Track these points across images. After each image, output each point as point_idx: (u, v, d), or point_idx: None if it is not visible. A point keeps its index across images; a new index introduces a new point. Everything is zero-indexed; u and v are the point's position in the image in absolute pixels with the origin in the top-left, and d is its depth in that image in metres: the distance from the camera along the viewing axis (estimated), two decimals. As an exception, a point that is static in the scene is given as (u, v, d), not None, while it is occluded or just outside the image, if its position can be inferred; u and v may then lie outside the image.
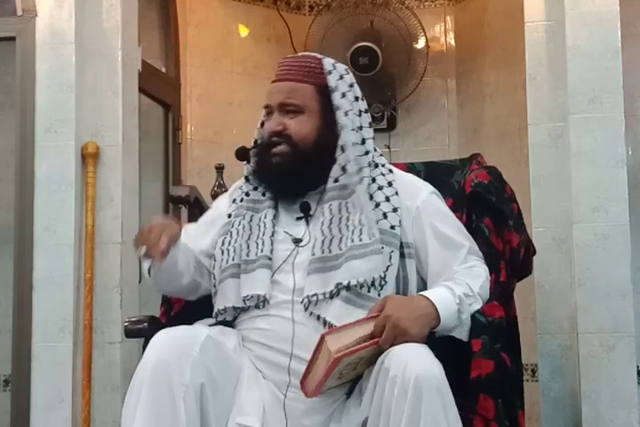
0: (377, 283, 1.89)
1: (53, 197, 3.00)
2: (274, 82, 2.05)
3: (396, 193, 2.00)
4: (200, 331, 1.85)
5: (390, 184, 2.01)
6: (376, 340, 1.76)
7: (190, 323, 1.96)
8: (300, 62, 2.05)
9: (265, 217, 2.01)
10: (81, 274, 3.00)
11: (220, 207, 2.16)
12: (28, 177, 3.02)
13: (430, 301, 1.83)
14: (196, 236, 2.10)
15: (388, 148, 4.36)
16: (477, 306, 1.91)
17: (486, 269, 2.00)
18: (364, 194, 1.96)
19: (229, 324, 1.98)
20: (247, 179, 2.11)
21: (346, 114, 2.00)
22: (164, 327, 1.87)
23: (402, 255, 1.95)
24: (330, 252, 1.91)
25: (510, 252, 2.15)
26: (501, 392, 1.87)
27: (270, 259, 1.95)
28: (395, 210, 1.97)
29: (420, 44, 4.43)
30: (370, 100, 2.11)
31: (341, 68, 2.06)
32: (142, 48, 3.46)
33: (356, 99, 2.04)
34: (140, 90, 3.38)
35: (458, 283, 1.91)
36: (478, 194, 2.19)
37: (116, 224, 3.04)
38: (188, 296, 2.13)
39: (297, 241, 1.97)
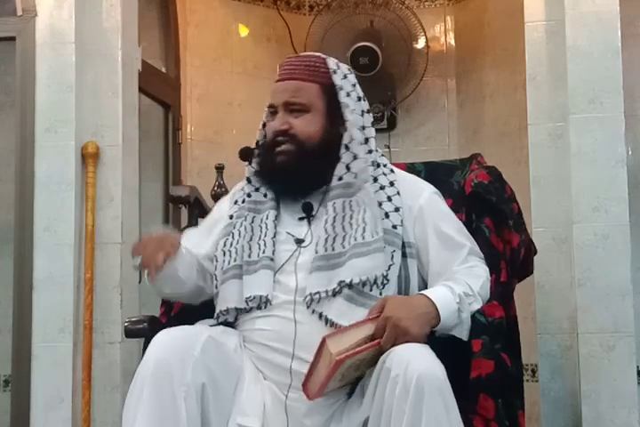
0: (379, 281, 1.89)
1: (53, 197, 3.00)
2: (278, 81, 2.05)
3: (398, 193, 2.00)
4: (201, 331, 1.85)
5: (392, 184, 2.02)
6: (377, 341, 1.76)
7: (190, 323, 1.96)
8: (305, 62, 2.05)
9: (267, 218, 2.01)
10: (81, 274, 3.00)
11: (221, 210, 2.15)
12: (28, 177, 3.02)
13: (430, 299, 1.84)
14: (198, 240, 2.10)
15: (388, 148, 4.35)
16: (477, 306, 1.91)
17: (487, 269, 2.01)
18: (370, 192, 1.96)
19: (230, 324, 1.98)
20: (249, 180, 2.11)
21: (351, 112, 2.00)
22: (164, 327, 1.87)
23: (403, 255, 1.95)
24: (333, 250, 1.91)
25: (510, 252, 2.15)
26: (501, 392, 1.87)
27: (272, 260, 1.95)
28: (396, 210, 1.97)
29: (420, 44, 4.43)
30: (370, 100, 2.11)
31: (344, 67, 2.07)
32: (142, 48, 3.46)
33: (359, 99, 2.05)
34: (140, 90, 3.37)
35: (458, 282, 1.91)
36: (478, 194, 2.19)
37: (116, 224, 3.04)
38: (192, 301, 2.12)
39: (299, 241, 1.97)
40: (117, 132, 3.07)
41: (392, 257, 1.92)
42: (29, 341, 2.95)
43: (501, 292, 2.06)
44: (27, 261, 2.98)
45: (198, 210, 2.73)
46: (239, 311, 1.95)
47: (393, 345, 1.75)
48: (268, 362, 1.88)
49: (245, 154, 2.09)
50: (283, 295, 1.91)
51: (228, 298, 1.96)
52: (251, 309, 1.93)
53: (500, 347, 1.89)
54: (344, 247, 1.91)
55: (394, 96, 4.46)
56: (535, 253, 2.33)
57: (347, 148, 1.99)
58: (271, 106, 2.05)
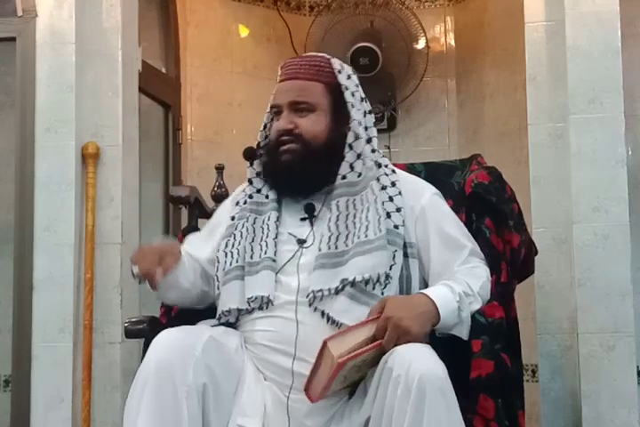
0: (382, 279, 1.89)
1: (53, 197, 3.00)
2: (281, 81, 2.05)
3: (400, 193, 2.00)
4: (202, 331, 1.85)
5: (394, 184, 2.02)
6: (378, 342, 1.76)
7: (190, 323, 1.96)
8: (309, 61, 2.05)
9: (268, 219, 2.01)
10: (81, 274, 3.00)
11: (222, 213, 2.16)
12: (28, 177, 3.02)
13: (430, 298, 1.84)
14: (200, 245, 2.11)
15: (388, 148, 4.35)
16: (477, 306, 1.91)
17: (487, 270, 2.01)
18: (375, 191, 1.97)
19: (231, 325, 1.97)
20: (250, 181, 2.11)
21: (356, 111, 2.01)
22: (164, 328, 1.87)
23: (405, 255, 1.96)
24: (336, 248, 1.91)
25: (511, 252, 2.15)
26: (501, 392, 1.87)
27: (274, 260, 1.95)
28: (398, 210, 1.97)
29: (421, 44, 4.43)
30: (370, 100, 2.11)
31: (348, 68, 2.08)
32: (142, 48, 3.46)
33: (362, 99, 2.05)
34: (140, 90, 3.37)
35: (458, 282, 1.92)
36: (478, 194, 2.19)
37: (116, 224, 3.04)
38: (197, 306, 2.12)
39: (301, 242, 1.97)
40: (117, 133, 3.07)
41: (394, 257, 1.92)
42: (29, 341, 2.95)
43: (501, 292, 2.06)
44: (27, 261, 2.98)
45: (198, 210, 2.72)
46: (241, 312, 1.95)
47: (395, 345, 1.75)
48: (269, 363, 1.88)
49: (249, 154, 2.08)
50: (284, 296, 1.91)
51: (229, 299, 1.96)
52: (252, 309, 1.93)
53: (500, 347, 1.89)
54: (347, 246, 1.91)
55: (394, 96, 4.45)
56: (536, 253, 2.33)
57: (350, 147, 1.99)
58: (275, 106, 2.05)
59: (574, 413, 2.79)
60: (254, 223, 2.02)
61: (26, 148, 3.03)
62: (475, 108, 4.36)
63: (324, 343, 1.73)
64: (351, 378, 1.80)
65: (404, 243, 1.96)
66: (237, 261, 1.98)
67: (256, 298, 1.91)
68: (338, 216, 1.95)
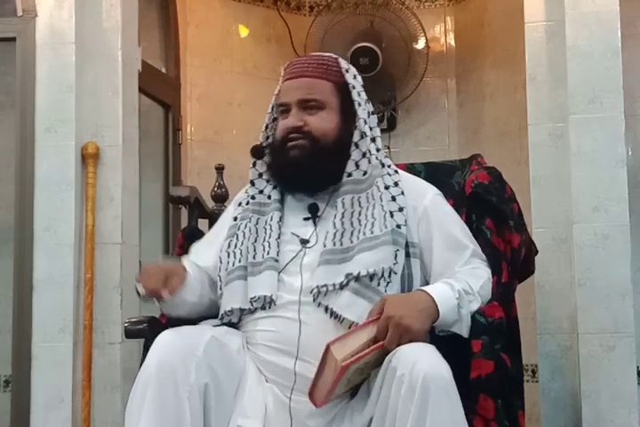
0: (386, 274, 1.88)
1: (53, 197, 3.00)
2: (289, 79, 2.05)
3: (402, 193, 2.01)
4: (204, 331, 1.85)
5: (396, 184, 2.02)
6: (381, 343, 1.76)
7: (191, 323, 1.96)
8: (317, 60, 2.06)
9: (271, 219, 2.01)
10: (81, 274, 3.00)
11: (225, 219, 2.15)
12: (28, 177, 3.02)
13: (429, 295, 1.84)
14: (205, 252, 2.10)
15: (388, 148, 4.35)
16: (477, 305, 1.91)
17: (489, 271, 2.01)
18: (380, 188, 1.97)
19: (234, 325, 1.97)
20: (252, 183, 2.10)
21: (363, 110, 2.02)
22: (164, 328, 1.87)
23: (407, 255, 1.96)
24: (341, 244, 1.92)
25: (511, 252, 2.15)
26: (501, 392, 1.87)
27: (277, 260, 1.95)
28: (400, 209, 1.98)
29: (420, 44, 4.43)
30: (370, 100, 2.12)
31: (353, 68, 2.09)
32: (142, 48, 3.45)
33: (366, 100, 2.06)
34: (140, 90, 3.37)
35: (458, 280, 1.92)
36: (478, 195, 2.19)
37: (116, 224, 3.04)
38: (207, 314, 2.10)
39: (304, 242, 1.97)
40: (117, 133, 3.07)
41: (396, 256, 1.92)
42: (29, 341, 2.94)
43: (502, 292, 2.06)
44: (27, 261, 2.98)
45: (198, 210, 2.72)
46: (243, 312, 1.94)
47: (397, 344, 1.75)
48: (271, 364, 1.88)
49: (257, 151, 2.08)
50: (287, 295, 1.91)
51: (232, 299, 1.96)
52: (255, 309, 1.92)
53: (499, 347, 1.89)
54: (352, 242, 1.92)
55: (394, 96, 4.45)
56: (536, 253, 2.33)
57: (356, 145, 2.00)
58: (283, 104, 2.04)
59: (574, 413, 2.79)
60: (257, 224, 2.02)
61: (26, 148, 3.03)
62: (475, 108, 4.36)
63: (327, 347, 1.73)
64: (354, 381, 1.80)
65: (407, 242, 1.96)
66: (240, 262, 1.98)
67: (259, 298, 1.91)
68: (343, 213, 1.96)
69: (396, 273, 1.91)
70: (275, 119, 2.10)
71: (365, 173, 1.98)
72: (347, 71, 2.05)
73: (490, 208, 2.18)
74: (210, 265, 2.07)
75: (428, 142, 4.53)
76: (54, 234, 2.98)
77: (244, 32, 4.54)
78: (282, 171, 2.04)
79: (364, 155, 1.99)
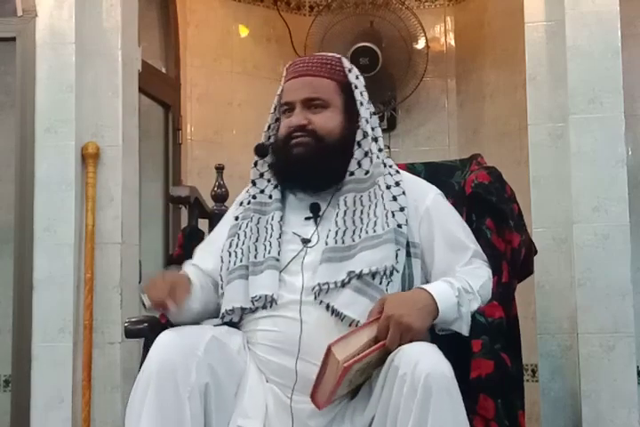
0: (388, 272, 1.88)
1: (53, 197, 3.00)
2: (292, 79, 2.05)
3: (404, 193, 2.01)
4: (205, 331, 1.85)
5: (398, 184, 2.02)
6: (382, 343, 1.76)
7: (190, 323, 1.96)
8: (320, 59, 2.06)
9: (272, 219, 2.01)
10: (81, 274, 3.00)
11: (227, 219, 2.15)
12: (28, 177, 3.02)
13: (429, 293, 1.84)
14: (208, 256, 2.10)
15: (389, 148, 4.34)
16: (476, 304, 1.91)
17: (490, 271, 2.01)
18: (382, 187, 1.97)
19: (234, 325, 1.97)
20: (254, 183, 2.11)
21: (365, 110, 2.03)
22: (164, 328, 1.87)
23: (407, 254, 1.96)
24: (343, 242, 1.92)
25: (511, 252, 2.15)
26: (501, 392, 1.87)
27: (278, 260, 1.95)
28: (402, 209, 1.98)
29: (420, 44, 4.43)
30: (370, 100, 2.12)
31: (356, 69, 2.09)
32: (142, 48, 3.45)
33: (368, 100, 2.06)
34: (140, 90, 3.37)
35: (458, 279, 1.92)
36: (478, 195, 2.19)
37: (116, 224, 3.04)
38: (213, 317, 2.10)
39: (305, 241, 1.97)
40: (117, 133, 3.07)
41: (397, 255, 1.92)
42: (29, 341, 2.94)
43: (502, 292, 2.06)
44: (27, 261, 2.98)
45: (198, 210, 2.72)
46: (244, 311, 1.94)
47: (399, 343, 1.75)
48: (272, 363, 1.88)
49: (261, 149, 2.08)
50: (288, 295, 1.91)
51: (233, 298, 1.96)
52: (256, 308, 1.92)
53: (499, 347, 1.89)
54: (354, 240, 1.92)
55: (394, 96, 4.45)
56: (535, 253, 2.33)
57: (359, 145, 2.00)
58: (287, 103, 2.04)
59: (574, 413, 2.79)
60: (258, 223, 2.03)
61: (26, 148, 3.03)
62: (475, 108, 4.36)
63: (329, 349, 1.73)
64: (356, 382, 1.80)
65: (408, 242, 1.96)
66: (241, 261, 1.98)
67: (260, 297, 1.91)
68: (345, 212, 1.96)
69: (397, 271, 1.91)
70: (277, 119, 2.10)
71: (367, 173, 1.98)
72: (350, 71, 2.06)
73: (490, 208, 2.18)
74: (213, 267, 2.07)
75: (428, 142, 4.54)
76: (54, 234, 2.98)
77: (243, 32, 4.54)
78: (285, 168, 2.04)
79: (366, 154, 2.00)
